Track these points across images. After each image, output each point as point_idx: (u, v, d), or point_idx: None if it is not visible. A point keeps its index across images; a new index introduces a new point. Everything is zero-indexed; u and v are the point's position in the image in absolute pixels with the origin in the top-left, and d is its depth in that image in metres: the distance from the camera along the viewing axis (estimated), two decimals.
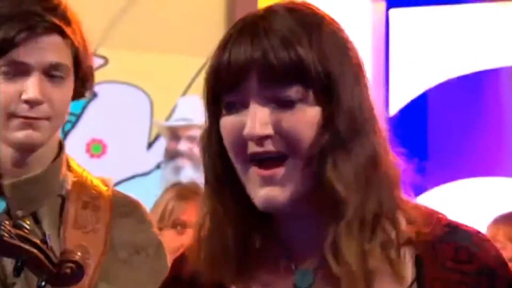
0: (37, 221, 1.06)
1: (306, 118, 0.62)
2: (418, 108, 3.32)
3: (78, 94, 1.04)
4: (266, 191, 0.62)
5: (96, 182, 1.11)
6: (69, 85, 1.02)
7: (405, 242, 0.64)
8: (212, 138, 0.65)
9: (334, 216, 0.62)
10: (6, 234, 0.81)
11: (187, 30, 2.63)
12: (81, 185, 1.09)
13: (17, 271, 0.86)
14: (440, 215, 0.67)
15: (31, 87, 1.02)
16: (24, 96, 1.01)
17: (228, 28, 0.79)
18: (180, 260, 0.74)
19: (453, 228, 0.67)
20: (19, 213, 1.05)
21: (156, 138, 2.54)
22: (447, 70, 3.18)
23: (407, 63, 3.45)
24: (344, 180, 0.61)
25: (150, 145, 2.48)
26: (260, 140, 0.61)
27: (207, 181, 0.67)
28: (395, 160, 0.64)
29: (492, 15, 3.30)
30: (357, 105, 0.63)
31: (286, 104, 0.61)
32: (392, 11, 3.57)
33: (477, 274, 0.64)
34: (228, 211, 0.65)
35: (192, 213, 1.98)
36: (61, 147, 1.07)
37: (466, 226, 0.69)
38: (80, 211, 1.09)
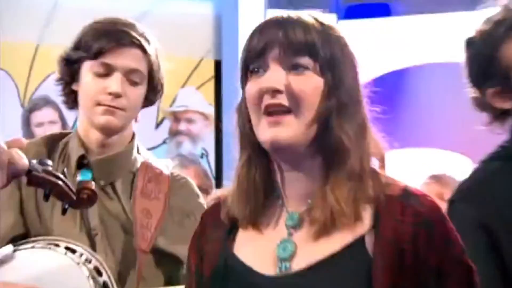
0: (115, 189, 1.21)
1: (311, 84, 0.69)
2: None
3: (149, 100, 1.18)
4: (272, 131, 0.68)
5: (158, 163, 1.26)
6: (142, 89, 1.18)
7: (370, 198, 0.71)
8: (243, 105, 0.74)
9: (335, 165, 0.70)
10: (35, 170, 0.91)
11: (181, 34, 2.64)
12: (147, 165, 1.21)
13: (46, 197, 0.98)
14: (397, 182, 0.75)
15: (115, 83, 1.16)
16: (108, 90, 1.15)
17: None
18: (212, 207, 0.83)
19: (407, 192, 0.72)
20: (101, 182, 1.17)
21: (162, 120, 2.61)
22: (380, 67, 3.58)
23: None
24: (348, 135, 0.69)
25: (157, 125, 2.63)
26: (274, 93, 0.68)
27: (242, 138, 0.75)
28: (375, 132, 0.74)
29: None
30: (353, 84, 0.72)
31: (298, 70, 0.69)
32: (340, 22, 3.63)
33: (417, 225, 0.70)
34: (256, 158, 0.74)
35: (192, 177, 2.12)
36: (133, 136, 1.21)
37: (417, 190, 0.75)
38: (146, 184, 1.22)
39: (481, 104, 1.19)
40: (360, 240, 0.71)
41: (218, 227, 0.82)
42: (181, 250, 1.09)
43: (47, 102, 2.25)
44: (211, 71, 2.76)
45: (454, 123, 3.60)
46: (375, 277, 0.70)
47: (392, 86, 3.47)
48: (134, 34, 1.17)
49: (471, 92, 1.18)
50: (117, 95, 1.14)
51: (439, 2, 3.83)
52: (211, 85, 2.65)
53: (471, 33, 1.17)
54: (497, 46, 1.15)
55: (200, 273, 0.82)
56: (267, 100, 0.69)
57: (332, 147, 0.71)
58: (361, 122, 0.73)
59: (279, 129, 0.70)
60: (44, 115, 2.27)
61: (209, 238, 0.84)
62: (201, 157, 2.51)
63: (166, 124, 2.49)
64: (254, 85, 0.70)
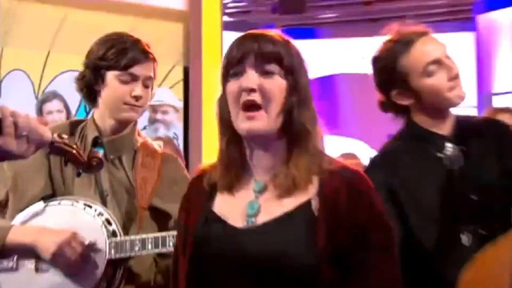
0: (121, 162, 1.32)
1: (278, 85, 0.79)
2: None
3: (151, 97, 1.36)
4: (248, 124, 0.78)
5: (153, 143, 1.40)
6: (151, 91, 1.33)
7: (318, 171, 0.81)
8: (223, 100, 0.82)
9: (298, 144, 0.80)
10: (56, 142, 0.96)
11: (157, 47, 2.59)
12: (145, 144, 1.35)
13: (65, 163, 1.12)
14: (336, 160, 0.86)
15: (139, 89, 1.31)
16: (134, 93, 1.29)
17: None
18: (196, 177, 0.92)
19: (344, 168, 0.84)
20: (111, 156, 1.29)
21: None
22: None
23: None
24: (308, 122, 0.80)
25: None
26: (250, 92, 0.77)
27: (221, 124, 0.84)
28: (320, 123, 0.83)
29: None
30: (306, 85, 0.83)
31: (268, 74, 0.79)
32: None
33: (350, 192, 0.80)
34: (233, 140, 0.83)
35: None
36: (135, 122, 1.34)
37: (351, 167, 0.86)
38: (144, 158, 1.32)
39: (387, 105, 1.32)
40: (308, 203, 0.80)
41: (201, 192, 0.89)
42: (170, 208, 1.28)
43: (55, 95, 2.53)
44: (180, 75, 2.93)
45: (356, 117, 4.37)
46: (318, 229, 0.78)
47: (316, 89, 4.25)
48: (149, 50, 1.33)
49: (379, 97, 1.32)
50: (139, 98, 1.30)
51: (348, 30, 4.53)
52: (180, 85, 2.87)
53: (374, 53, 1.31)
54: (396, 59, 1.25)
55: (187, 225, 0.89)
56: (245, 97, 0.78)
57: (295, 131, 0.81)
58: (314, 112, 0.83)
59: (253, 122, 0.78)
60: (53, 105, 2.54)
61: (194, 200, 0.91)
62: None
63: (146, 114, 2.59)
64: (234, 85, 0.80)
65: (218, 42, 2.92)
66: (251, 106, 0.79)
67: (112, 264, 1.27)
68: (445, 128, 1.26)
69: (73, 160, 1.02)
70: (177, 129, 2.75)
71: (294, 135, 0.81)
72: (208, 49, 2.85)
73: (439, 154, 1.25)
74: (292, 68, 0.82)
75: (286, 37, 0.86)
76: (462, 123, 1.29)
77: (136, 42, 1.32)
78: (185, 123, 2.77)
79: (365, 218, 0.81)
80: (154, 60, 1.33)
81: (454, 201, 1.22)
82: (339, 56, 4.23)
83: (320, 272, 0.77)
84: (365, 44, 3.72)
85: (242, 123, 0.79)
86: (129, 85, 1.28)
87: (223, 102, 0.83)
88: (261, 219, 0.82)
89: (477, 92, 4.39)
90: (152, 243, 1.28)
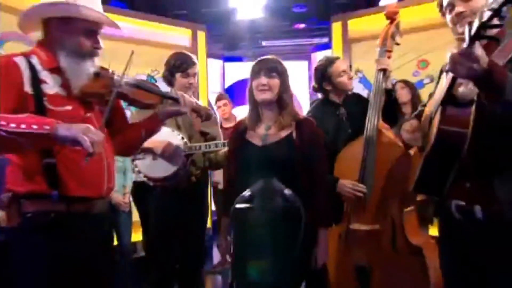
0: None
1: (276, 82, 1.68)
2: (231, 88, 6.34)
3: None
4: (262, 95, 1.69)
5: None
6: (195, 78, 2.19)
7: (293, 119, 1.72)
8: (250, 88, 1.70)
9: (283, 107, 1.71)
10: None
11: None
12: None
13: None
14: (299, 114, 1.80)
15: (193, 81, 2.20)
16: (190, 84, 2.18)
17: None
18: (237, 123, 1.88)
19: (304, 117, 1.79)
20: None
21: None
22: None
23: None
24: (287, 97, 1.71)
25: None
26: (263, 85, 1.66)
27: (250, 99, 1.75)
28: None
29: None
30: (288, 83, 1.72)
31: (271, 77, 1.67)
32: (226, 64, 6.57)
33: (310, 132, 1.69)
34: (254, 105, 1.76)
35: None
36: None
37: (309, 119, 1.79)
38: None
39: (317, 89, 2.28)
40: (291, 133, 1.67)
41: (238, 130, 1.77)
42: (213, 131, 2.23)
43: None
44: None
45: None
46: (295, 144, 1.64)
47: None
48: (195, 61, 2.20)
49: (314, 85, 2.23)
50: (192, 83, 2.18)
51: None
52: None
53: (316, 65, 2.21)
54: (326, 67, 2.15)
55: (235, 142, 1.78)
56: (260, 87, 1.64)
57: (283, 102, 1.65)
58: (290, 93, 1.69)
59: (264, 95, 1.66)
60: None
61: (234, 135, 1.79)
62: None
63: None
64: (256, 82, 1.65)
65: (204, 63, 4.89)
66: (263, 89, 1.65)
67: (186, 156, 2.11)
68: (340, 100, 2.21)
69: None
70: None
71: (281, 103, 1.67)
72: (200, 66, 5.07)
73: (337, 112, 2.20)
74: (283, 75, 1.66)
75: (279, 59, 1.69)
76: (349, 97, 2.24)
77: (189, 57, 2.22)
78: None
79: (315, 139, 1.66)
80: (195, 64, 2.21)
81: (341, 131, 2.15)
82: None
83: (297, 159, 1.60)
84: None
85: (259, 95, 1.66)
86: (188, 78, 2.23)
87: (250, 89, 1.70)
88: (269, 141, 1.66)
89: None
90: (202, 147, 2.14)
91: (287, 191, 1.34)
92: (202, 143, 2.19)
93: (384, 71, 2.03)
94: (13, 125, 1.14)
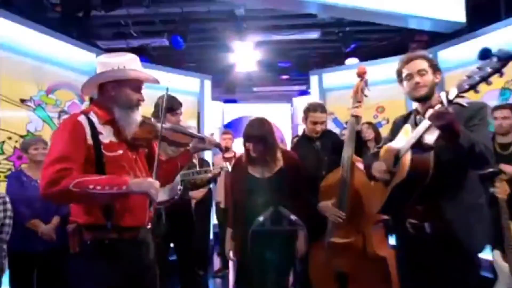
0: None
1: (260, 148, 1.76)
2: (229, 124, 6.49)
3: None
4: (252, 153, 1.76)
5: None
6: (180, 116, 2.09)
7: (280, 155, 1.84)
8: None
9: (269, 150, 1.79)
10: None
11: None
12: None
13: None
14: (283, 148, 1.92)
15: (181, 117, 2.12)
16: (179, 120, 2.03)
17: None
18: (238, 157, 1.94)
19: (288, 152, 1.96)
20: None
21: None
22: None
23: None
24: (273, 143, 1.79)
25: None
26: (252, 150, 1.78)
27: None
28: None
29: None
30: (273, 136, 1.82)
31: (257, 144, 1.75)
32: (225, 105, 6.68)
33: (293, 161, 1.87)
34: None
35: None
36: None
37: (292, 152, 2.04)
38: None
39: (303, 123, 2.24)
40: (281, 168, 1.83)
41: (240, 164, 1.86)
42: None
43: None
44: (195, 116, 4.88)
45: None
46: (287, 176, 1.78)
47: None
48: (180, 104, 2.12)
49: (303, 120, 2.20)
50: (179, 121, 2.09)
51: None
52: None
53: (304, 106, 2.19)
54: (307, 114, 2.16)
55: (236, 175, 1.83)
56: (250, 150, 1.74)
57: (269, 149, 1.75)
58: (273, 138, 1.78)
59: (253, 154, 1.74)
60: None
61: (237, 168, 1.89)
62: None
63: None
64: (246, 146, 1.74)
65: (209, 104, 5.22)
66: (252, 152, 1.67)
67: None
68: (316, 135, 2.20)
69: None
70: None
71: (268, 149, 1.76)
72: (206, 107, 5.18)
73: (314, 145, 2.21)
74: (265, 138, 1.71)
75: (263, 122, 1.78)
76: (322, 133, 2.22)
77: (176, 99, 2.15)
78: (198, 132, 4.39)
79: (298, 167, 1.80)
80: (181, 105, 2.19)
81: (318, 161, 2.14)
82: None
83: (288, 185, 1.72)
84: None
85: (250, 152, 1.67)
86: (176, 116, 2.17)
87: (245, 145, 1.77)
88: (267, 175, 1.80)
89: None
90: (194, 174, 2.31)
91: (292, 217, 1.41)
92: (193, 169, 2.29)
93: (357, 117, 2.09)
94: (99, 187, 1.20)
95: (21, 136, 3.07)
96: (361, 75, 2.16)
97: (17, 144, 2.99)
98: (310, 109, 2.19)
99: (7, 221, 2.20)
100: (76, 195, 1.18)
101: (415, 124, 1.43)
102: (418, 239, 1.38)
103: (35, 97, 3.27)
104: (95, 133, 1.31)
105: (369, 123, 3.44)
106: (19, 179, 2.43)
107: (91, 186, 1.18)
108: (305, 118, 2.22)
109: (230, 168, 2.46)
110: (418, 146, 1.32)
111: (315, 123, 2.17)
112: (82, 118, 1.33)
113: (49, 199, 1.23)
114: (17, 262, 2.34)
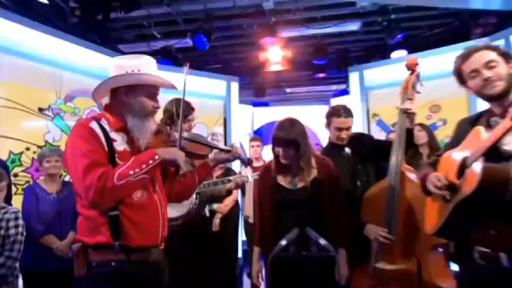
0: None
1: (292, 153, 1.71)
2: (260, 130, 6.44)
3: None
4: (283, 160, 1.75)
5: None
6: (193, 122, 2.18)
7: (314, 162, 1.76)
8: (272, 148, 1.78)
9: (301, 157, 1.73)
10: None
11: (211, 108, 4.90)
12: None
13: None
14: (318, 154, 1.82)
15: (193, 124, 2.15)
16: (191, 127, 2.08)
17: None
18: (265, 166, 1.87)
19: (324, 158, 1.81)
20: None
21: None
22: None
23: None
24: (307, 149, 1.75)
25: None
26: (282, 156, 1.72)
27: (273, 154, 1.78)
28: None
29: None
30: (307, 143, 1.73)
31: (289, 149, 1.71)
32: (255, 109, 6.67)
33: (330, 170, 1.80)
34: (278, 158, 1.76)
35: None
36: None
37: (327, 159, 1.83)
38: None
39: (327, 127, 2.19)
40: (315, 178, 1.75)
41: (268, 173, 1.80)
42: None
43: None
44: (222, 121, 4.88)
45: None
46: (321, 188, 1.71)
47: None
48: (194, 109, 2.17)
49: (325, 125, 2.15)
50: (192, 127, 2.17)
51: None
52: (222, 125, 4.89)
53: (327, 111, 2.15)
54: (332, 117, 2.11)
55: (265, 185, 1.79)
56: (280, 156, 1.72)
57: (302, 155, 1.71)
58: (307, 144, 1.75)
59: (284, 161, 1.72)
60: None
61: (265, 177, 1.81)
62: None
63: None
64: (276, 150, 1.73)
65: (236, 108, 5.21)
66: (283, 158, 1.70)
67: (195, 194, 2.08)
68: (342, 142, 2.11)
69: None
70: (221, 142, 3.64)
71: (301, 155, 1.70)
72: (233, 111, 5.20)
73: (343, 153, 2.14)
74: (299, 143, 1.67)
75: (296, 124, 1.71)
76: (352, 138, 2.15)
77: (189, 103, 2.11)
78: (224, 140, 4.30)
79: (334, 178, 1.71)
80: (194, 110, 2.17)
81: (350, 171, 2.07)
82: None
83: (323, 199, 1.67)
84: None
85: (280, 158, 1.72)
86: (188, 123, 2.15)
87: (273, 148, 1.74)
88: (298, 185, 1.73)
89: None
90: (210, 185, 2.18)
91: (321, 241, 1.30)
92: (210, 180, 2.19)
93: (409, 113, 1.90)
94: (137, 169, 1.26)
95: (39, 147, 3.20)
96: (411, 67, 2.00)
97: (35, 155, 3.11)
98: (333, 113, 2.10)
99: (19, 237, 2.24)
100: (123, 188, 1.23)
101: (488, 127, 1.29)
102: (489, 274, 1.19)
103: (54, 106, 3.41)
104: (108, 140, 1.31)
105: (422, 125, 3.17)
106: (34, 193, 2.48)
107: (131, 172, 1.24)
108: (328, 124, 2.14)
109: (251, 178, 2.33)
110: (493, 153, 1.17)
111: (339, 129, 2.08)
112: (94, 125, 1.33)
113: (102, 207, 1.26)
114: (30, 281, 2.35)
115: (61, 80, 3.44)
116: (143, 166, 1.26)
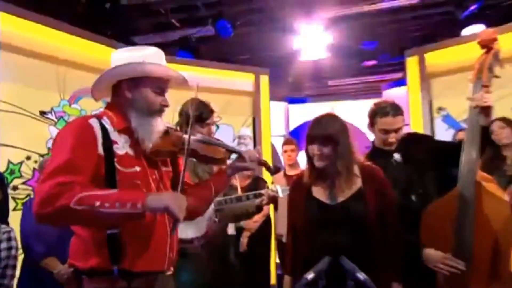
0: None
1: (329, 150, 1.57)
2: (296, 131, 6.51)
3: None
4: (317, 163, 1.60)
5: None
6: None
7: (357, 169, 1.60)
8: (307, 149, 1.61)
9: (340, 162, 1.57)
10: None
11: (239, 107, 4.93)
12: None
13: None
14: (368, 163, 1.67)
15: (212, 129, 2.14)
16: (210, 132, 2.04)
17: None
18: (298, 179, 1.69)
19: (372, 167, 1.65)
20: None
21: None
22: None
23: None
24: (347, 155, 1.60)
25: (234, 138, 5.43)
26: (317, 155, 1.59)
27: (308, 160, 1.64)
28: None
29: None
30: (349, 143, 1.59)
31: (326, 146, 1.57)
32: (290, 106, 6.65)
33: (377, 178, 1.64)
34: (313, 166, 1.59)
35: None
36: None
37: (374, 166, 1.67)
38: None
39: (370, 129, 2.03)
40: (360, 189, 1.59)
41: (301, 184, 1.69)
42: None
43: None
44: (250, 121, 4.78)
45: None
46: (368, 202, 1.54)
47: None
48: (214, 111, 2.18)
49: (368, 127, 2.00)
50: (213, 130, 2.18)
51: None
52: (251, 126, 4.74)
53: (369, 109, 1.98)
54: (376, 117, 1.94)
55: (299, 201, 1.67)
56: (315, 156, 1.62)
57: (340, 159, 1.60)
58: (350, 149, 1.62)
59: (319, 163, 1.60)
60: None
61: (297, 189, 1.72)
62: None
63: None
64: (310, 149, 1.61)
65: (267, 106, 5.19)
66: (318, 158, 1.61)
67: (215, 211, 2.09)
68: (389, 147, 1.98)
69: None
70: (250, 145, 3.90)
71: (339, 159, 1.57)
72: (263, 109, 5.10)
73: (392, 160, 1.98)
74: (338, 140, 1.59)
75: (336, 119, 1.63)
76: (403, 140, 1.98)
77: (207, 105, 2.13)
78: (254, 143, 4.46)
79: (383, 190, 1.60)
80: (213, 112, 2.14)
81: (403, 182, 1.89)
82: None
83: (369, 215, 1.55)
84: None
85: (315, 161, 1.60)
86: (206, 128, 2.15)
87: (307, 149, 1.62)
88: (339, 199, 1.61)
89: None
90: (233, 200, 2.14)
91: (360, 275, 1.14)
92: (233, 196, 2.12)
93: (483, 107, 1.68)
94: (107, 204, 1.14)
95: (41, 155, 3.17)
96: (488, 44, 1.79)
97: (36, 165, 3.11)
98: (377, 112, 1.94)
99: (11, 262, 2.19)
100: (78, 215, 1.13)
101: None
102: None
103: (57, 108, 3.40)
104: (108, 142, 1.27)
105: (505, 120, 2.90)
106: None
107: (97, 203, 1.13)
108: (371, 125, 1.99)
109: (281, 194, 2.23)
110: None
111: (386, 131, 1.92)
112: (93, 122, 1.29)
113: (43, 222, 1.16)
114: None
115: (65, 79, 3.40)
116: (117, 205, 1.14)
